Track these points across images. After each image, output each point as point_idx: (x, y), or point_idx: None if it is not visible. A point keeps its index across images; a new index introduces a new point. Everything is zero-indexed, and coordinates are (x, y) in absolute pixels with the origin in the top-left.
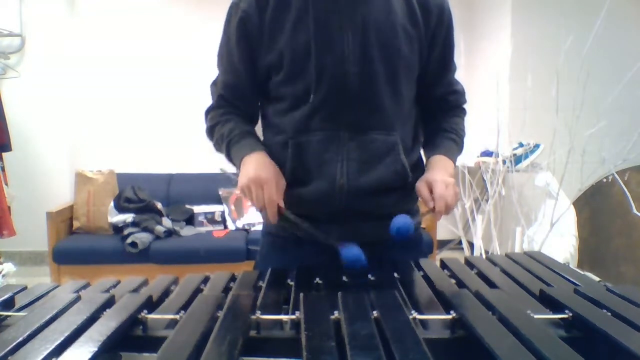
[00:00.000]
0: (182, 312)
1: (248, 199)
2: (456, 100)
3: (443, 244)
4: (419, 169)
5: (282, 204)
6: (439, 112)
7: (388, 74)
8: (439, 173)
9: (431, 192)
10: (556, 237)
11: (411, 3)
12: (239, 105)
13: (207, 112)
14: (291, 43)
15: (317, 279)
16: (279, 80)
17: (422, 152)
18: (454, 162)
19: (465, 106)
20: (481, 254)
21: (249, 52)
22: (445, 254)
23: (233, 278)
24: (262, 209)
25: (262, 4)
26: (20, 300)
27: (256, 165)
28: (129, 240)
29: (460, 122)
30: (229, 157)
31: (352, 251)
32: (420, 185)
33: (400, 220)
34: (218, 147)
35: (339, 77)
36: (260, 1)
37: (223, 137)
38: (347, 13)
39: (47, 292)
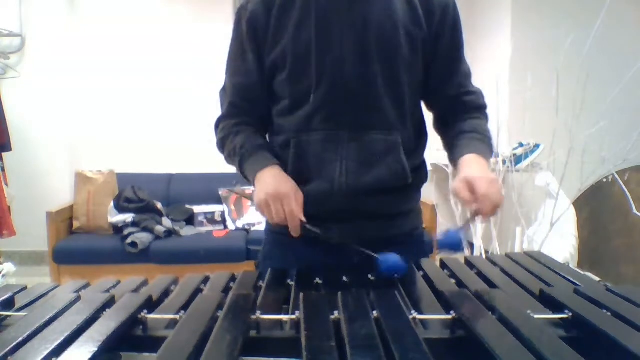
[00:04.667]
0: (182, 312)
1: (266, 214)
2: (473, 101)
3: None
4: (422, 171)
5: (302, 217)
6: (458, 115)
7: (387, 75)
8: (477, 170)
9: (472, 192)
10: (556, 237)
11: (413, 3)
12: (249, 110)
13: (218, 122)
14: (294, 42)
15: (317, 279)
16: (282, 79)
17: (425, 156)
18: (487, 163)
19: (488, 112)
20: (481, 254)
21: (259, 51)
22: (446, 254)
23: (233, 278)
24: (282, 223)
25: (269, 4)
26: (20, 300)
27: (272, 180)
28: (129, 240)
29: (482, 124)
30: (243, 174)
31: (390, 258)
32: (459, 186)
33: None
34: (230, 161)
35: (338, 77)
36: (267, 1)
37: (235, 152)
38: (348, 14)
39: (47, 292)
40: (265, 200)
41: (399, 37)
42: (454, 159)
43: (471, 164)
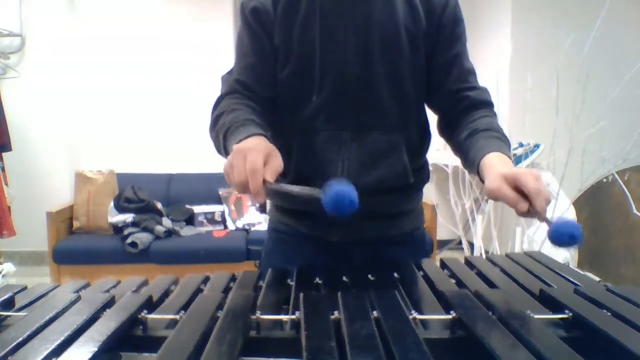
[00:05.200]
0: (182, 312)
1: (229, 179)
2: (478, 95)
3: (443, 244)
4: (424, 171)
5: (268, 177)
6: (465, 111)
7: (390, 76)
8: (512, 166)
9: (516, 190)
10: None
11: (414, 3)
12: (256, 92)
13: (217, 102)
14: (299, 41)
15: (317, 279)
16: (284, 77)
17: (427, 156)
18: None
19: (496, 110)
20: (481, 254)
21: (268, 35)
22: (445, 254)
23: (233, 278)
24: (244, 186)
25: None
26: (20, 300)
27: (246, 142)
28: (129, 240)
29: (494, 122)
30: (225, 151)
31: (337, 188)
32: (500, 185)
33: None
34: (217, 143)
35: (341, 78)
36: None
37: (223, 127)
38: (350, 15)
39: (47, 292)
40: (230, 162)
41: (401, 38)
42: (472, 159)
43: (501, 163)
